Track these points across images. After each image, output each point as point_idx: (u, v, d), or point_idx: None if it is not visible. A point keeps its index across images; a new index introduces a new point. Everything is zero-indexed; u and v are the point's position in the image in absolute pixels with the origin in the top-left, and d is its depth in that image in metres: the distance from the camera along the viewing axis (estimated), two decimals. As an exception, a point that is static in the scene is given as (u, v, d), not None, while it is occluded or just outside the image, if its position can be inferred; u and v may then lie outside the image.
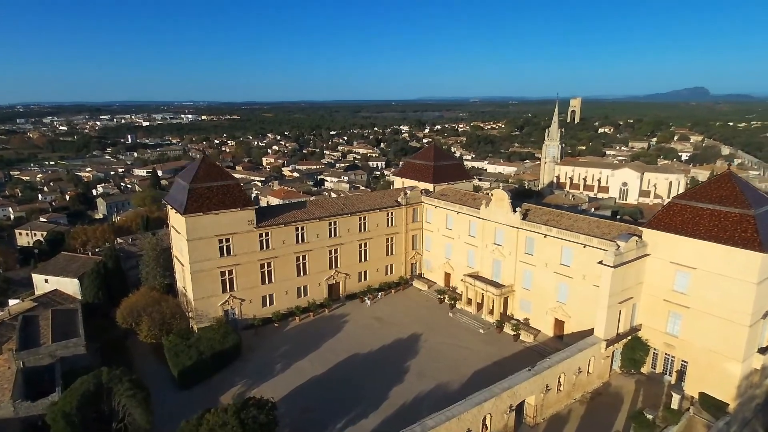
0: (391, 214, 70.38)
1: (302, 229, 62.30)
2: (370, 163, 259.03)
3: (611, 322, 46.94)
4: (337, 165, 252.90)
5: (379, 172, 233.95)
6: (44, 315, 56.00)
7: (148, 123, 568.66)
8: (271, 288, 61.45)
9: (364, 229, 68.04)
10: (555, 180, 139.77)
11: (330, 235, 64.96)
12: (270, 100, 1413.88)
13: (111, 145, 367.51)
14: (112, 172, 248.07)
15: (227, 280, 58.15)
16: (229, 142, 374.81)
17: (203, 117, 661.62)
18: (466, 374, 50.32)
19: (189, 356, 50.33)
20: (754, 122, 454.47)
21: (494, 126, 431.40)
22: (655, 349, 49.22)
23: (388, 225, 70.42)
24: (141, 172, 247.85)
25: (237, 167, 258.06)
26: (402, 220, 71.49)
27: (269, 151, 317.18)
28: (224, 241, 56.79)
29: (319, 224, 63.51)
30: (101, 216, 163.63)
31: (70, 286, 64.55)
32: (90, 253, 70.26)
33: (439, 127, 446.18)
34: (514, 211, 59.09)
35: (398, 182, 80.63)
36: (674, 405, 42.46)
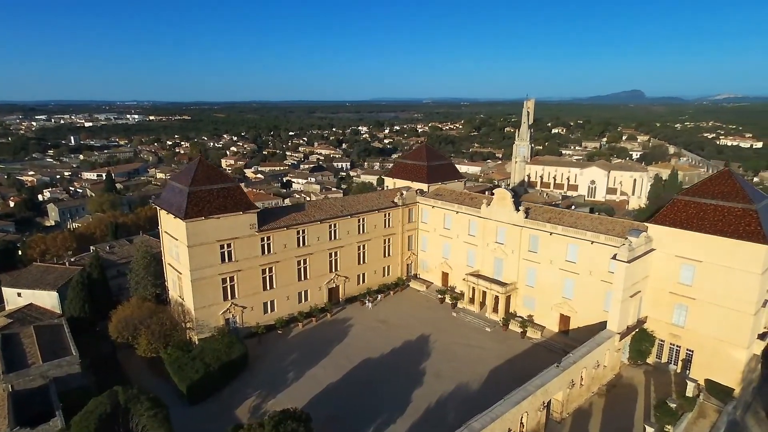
0: (388, 215, 69.68)
1: (303, 232, 60.45)
2: (335, 163, 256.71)
3: (624, 316, 48.40)
4: (301, 166, 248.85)
5: (344, 173, 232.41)
6: (25, 332, 51.31)
7: (90, 123, 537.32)
8: (272, 294, 59.22)
9: (363, 231, 66.98)
10: (526, 179, 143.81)
11: (330, 238, 63.44)
12: (220, 100, 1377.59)
13: (52, 146, 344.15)
14: (58, 176, 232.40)
15: (228, 287, 55.49)
16: (182, 143, 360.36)
17: (151, 117, 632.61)
18: (483, 373, 50.43)
19: (195, 369, 47.55)
20: (687, 123, 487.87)
21: (452, 126, 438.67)
22: (660, 340, 51.21)
23: (385, 226, 69.65)
24: (91, 175, 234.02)
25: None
26: (398, 220, 70.95)
27: (227, 152, 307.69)
28: (225, 246, 54.13)
29: (320, 227, 61.88)
30: (53, 223, 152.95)
31: (48, 299, 59.64)
32: (67, 263, 64.98)
33: (398, 127, 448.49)
34: (517, 209, 59.91)
35: (389, 182, 79.95)
36: (689, 393, 44.32)
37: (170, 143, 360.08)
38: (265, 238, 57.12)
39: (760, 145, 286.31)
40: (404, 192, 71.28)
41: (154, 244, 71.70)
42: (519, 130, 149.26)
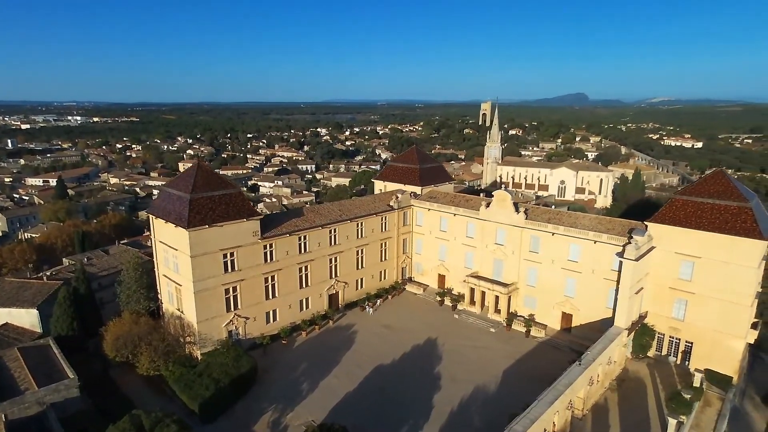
0: (385, 218, 69.08)
1: (305, 238, 58.91)
2: (299, 166, 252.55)
3: (630, 312, 50.23)
4: (265, 169, 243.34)
5: (310, 176, 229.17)
6: (9, 355, 47.15)
7: (28, 126, 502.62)
8: (274, 303, 57.28)
9: (361, 235, 66.09)
10: (498, 179, 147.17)
11: (330, 243, 62.15)
12: (167, 101, 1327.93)
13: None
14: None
15: (231, 297, 53.16)
16: (133, 146, 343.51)
17: (95, 119, 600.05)
18: (497, 374, 50.83)
19: (205, 386, 45.14)
20: (630, 124, 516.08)
21: (412, 128, 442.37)
22: (660, 334, 53.51)
23: (382, 230, 69.01)
24: (36, 181, 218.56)
25: (152, 173, 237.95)
26: (394, 224, 70.52)
27: (184, 156, 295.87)
28: (228, 255, 51.83)
29: (321, 232, 60.50)
30: (0, 234, 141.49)
31: (26, 317, 54.95)
32: (45, 277, 60.10)
33: (357, 129, 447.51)
34: (517, 211, 60.94)
35: (380, 185, 79.30)
36: (695, 383, 46.48)
37: (120, 146, 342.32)
38: (268, 246, 55.18)
39: (700, 145, 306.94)
40: (399, 195, 70.97)
41: (135, 253, 67.82)
42: (490, 132, 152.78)
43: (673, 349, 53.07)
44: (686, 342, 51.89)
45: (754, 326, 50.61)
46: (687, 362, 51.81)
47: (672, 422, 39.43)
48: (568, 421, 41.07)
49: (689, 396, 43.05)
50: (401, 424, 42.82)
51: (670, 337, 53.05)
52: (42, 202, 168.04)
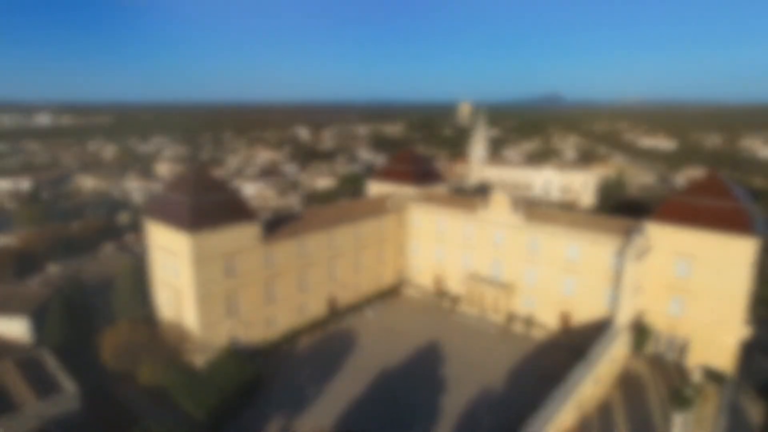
0: (382, 221, 68.83)
1: (305, 241, 58.23)
2: (281, 167, 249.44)
3: (630, 310, 51.24)
4: (247, 171, 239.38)
5: (293, 177, 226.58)
6: (4, 367, 45.18)
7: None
8: (275, 308, 56.52)
9: (359, 238, 65.72)
10: (484, 180, 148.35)
11: (329, 247, 61.61)
12: (141, 99, 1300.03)
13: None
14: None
15: (233, 303, 52.22)
16: (107, 146, 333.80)
17: (66, 118, 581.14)
18: (501, 374, 51.26)
19: (210, 394, 44.28)
20: (604, 124, 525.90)
21: (392, 128, 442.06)
22: (657, 331, 54.73)
23: (379, 233, 68.74)
24: (5, 183, 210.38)
25: (128, 175, 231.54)
26: (391, 227, 70.36)
27: (161, 156, 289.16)
28: (230, 260, 50.88)
29: (320, 236, 59.95)
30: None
31: (16, 327, 52.78)
32: (34, 285, 57.85)
33: (337, 129, 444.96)
34: (515, 212, 61.48)
35: (374, 188, 79.03)
36: (695, 379, 47.69)
37: (94, 147, 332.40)
38: (269, 250, 54.36)
39: (674, 144, 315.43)
40: (396, 198, 70.84)
41: (129, 259, 66.04)
42: (475, 133, 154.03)
43: (670, 346, 54.32)
44: (683, 338, 53.18)
45: (746, 322, 52.16)
46: (684, 358, 53.13)
47: (677, 417, 40.44)
48: (575, 419, 41.65)
49: (691, 392, 44.11)
50: (410, 428, 42.74)
51: (667, 334, 54.27)
52: (14, 205, 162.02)
